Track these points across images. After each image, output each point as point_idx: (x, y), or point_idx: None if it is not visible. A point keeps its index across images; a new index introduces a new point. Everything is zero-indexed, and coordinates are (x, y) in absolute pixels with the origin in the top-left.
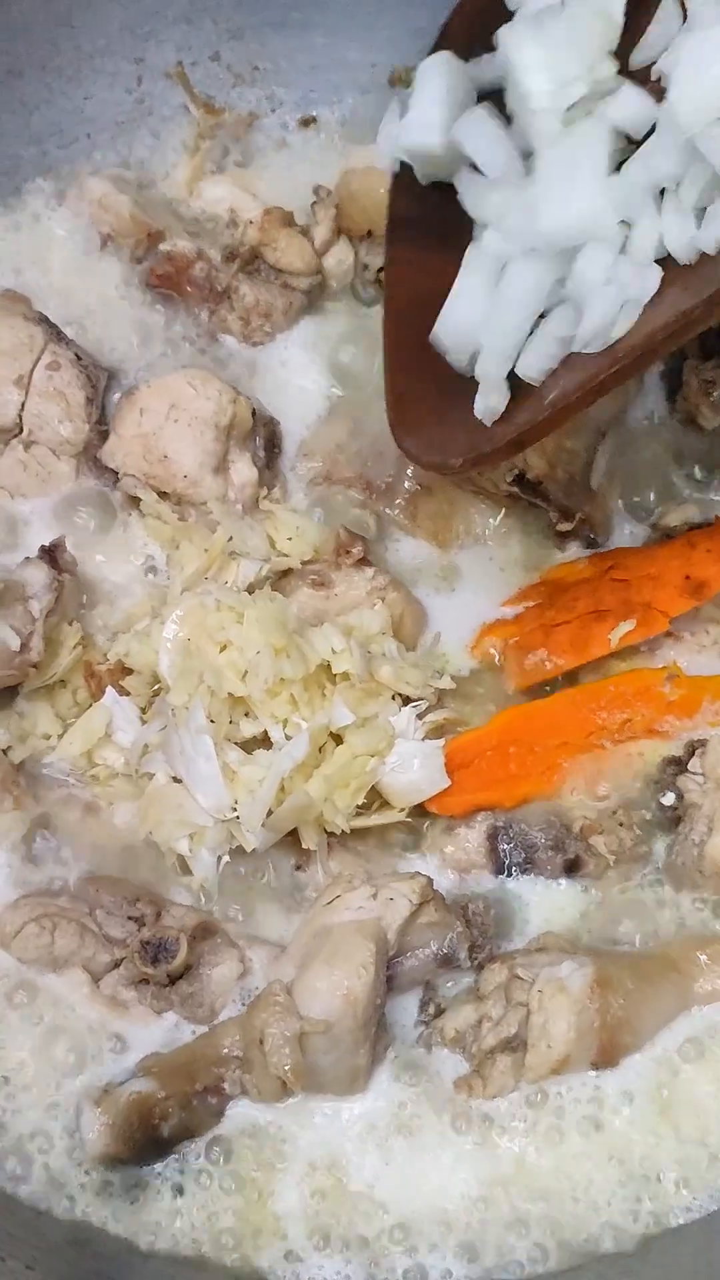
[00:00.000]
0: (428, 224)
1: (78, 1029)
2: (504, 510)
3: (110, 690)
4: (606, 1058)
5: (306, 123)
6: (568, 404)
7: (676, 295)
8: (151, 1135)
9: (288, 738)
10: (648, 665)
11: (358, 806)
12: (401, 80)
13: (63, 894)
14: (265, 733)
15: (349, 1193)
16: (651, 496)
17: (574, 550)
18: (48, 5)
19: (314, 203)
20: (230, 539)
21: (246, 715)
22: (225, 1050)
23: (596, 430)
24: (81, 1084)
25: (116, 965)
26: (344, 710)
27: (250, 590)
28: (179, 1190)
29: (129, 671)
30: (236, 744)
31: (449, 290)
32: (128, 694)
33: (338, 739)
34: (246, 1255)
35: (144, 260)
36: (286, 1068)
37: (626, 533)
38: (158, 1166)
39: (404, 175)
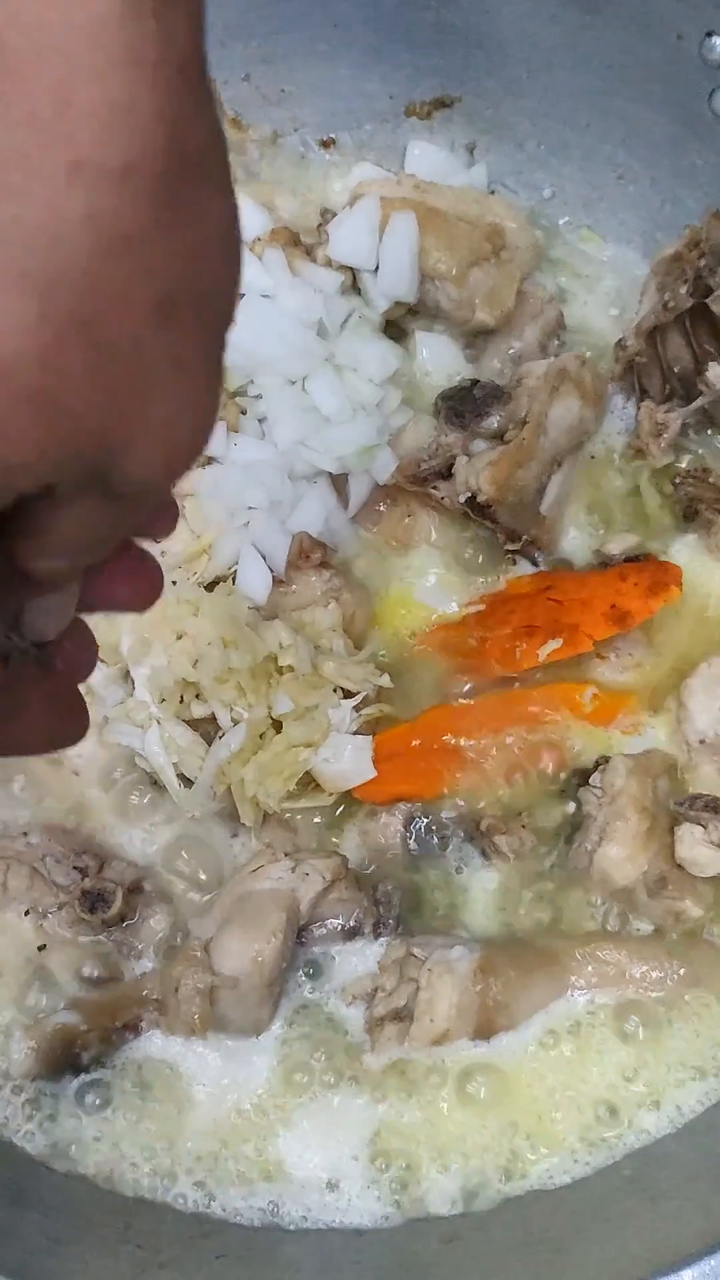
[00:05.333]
0: None
1: (17, 963)
2: (459, 524)
3: None
4: (482, 1034)
5: (326, 144)
6: None
7: None
8: (71, 1061)
9: (234, 721)
10: (572, 679)
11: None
12: (416, 113)
13: (18, 838)
14: (213, 715)
15: (251, 1129)
16: (597, 525)
17: (523, 567)
18: None
19: (319, 224)
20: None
21: (197, 698)
22: (145, 993)
23: (552, 460)
24: (13, 1012)
25: (60, 909)
26: (285, 700)
27: (210, 587)
28: (94, 1109)
29: None
30: (186, 722)
31: None
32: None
33: (278, 725)
34: (152, 1181)
35: None
36: (195, 1015)
37: (572, 557)
38: (76, 1090)
39: None
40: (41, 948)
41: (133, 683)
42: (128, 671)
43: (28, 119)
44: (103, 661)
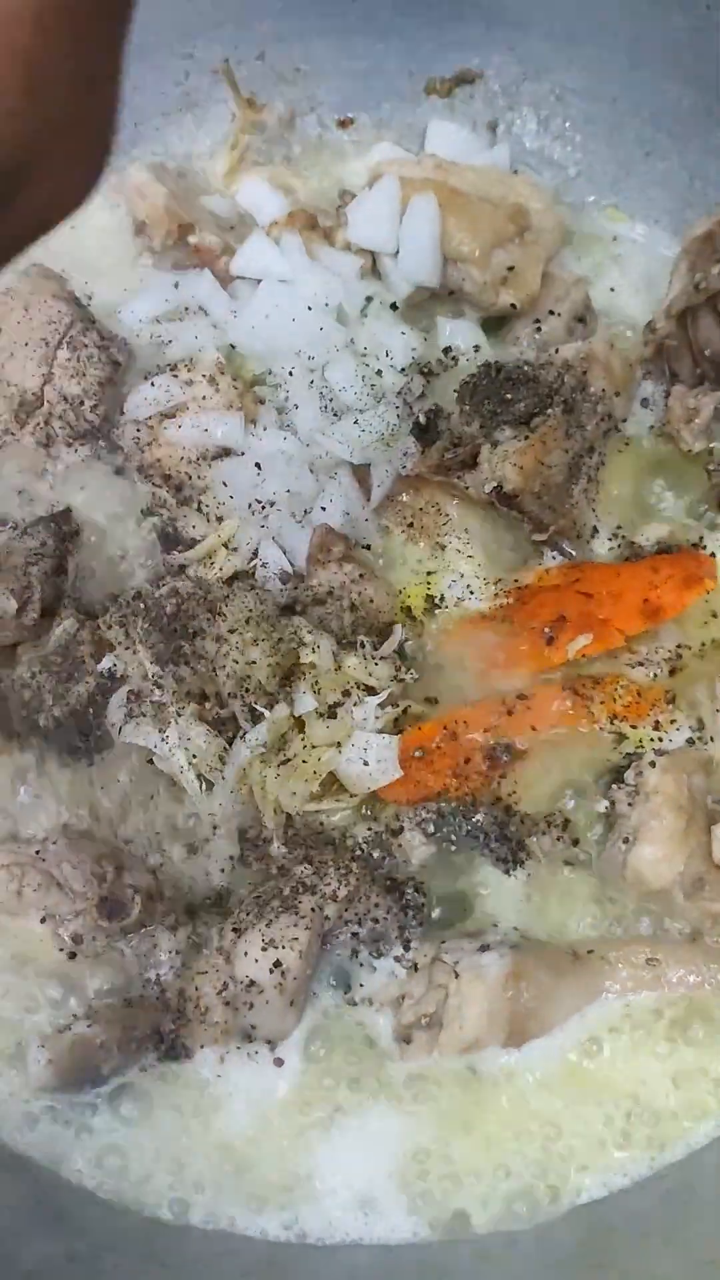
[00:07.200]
0: None
1: (34, 973)
2: (485, 515)
3: (110, 656)
4: (514, 1042)
5: (344, 123)
6: None
7: None
8: (90, 1074)
9: (254, 721)
10: (602, 674)
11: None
12: (436, 91)
13: (35, 844)
14: (234, 714)
15: (276, 1142)
16: (628, 514)
17: (551, 558)
18: None
19: (339, 206)
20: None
21: (216, 696)
22: (166, 1003)
23: (580, 447)
24: (32, 1022)
25: (77, 916)
26: (307, 698)
27: (230, 581)
28: (113, 1122)
29: None
30: (206, 722)
31: None
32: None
33: (300, 724)
34: (173, 1197)
35: (172, 249)
36: (217, 1024)
37: (602, 546)
38: (94, 1104)
39: None
40: (72, 955)
41: (151, 681)
42: (145, 670)
43: None
44: (117, 659)
